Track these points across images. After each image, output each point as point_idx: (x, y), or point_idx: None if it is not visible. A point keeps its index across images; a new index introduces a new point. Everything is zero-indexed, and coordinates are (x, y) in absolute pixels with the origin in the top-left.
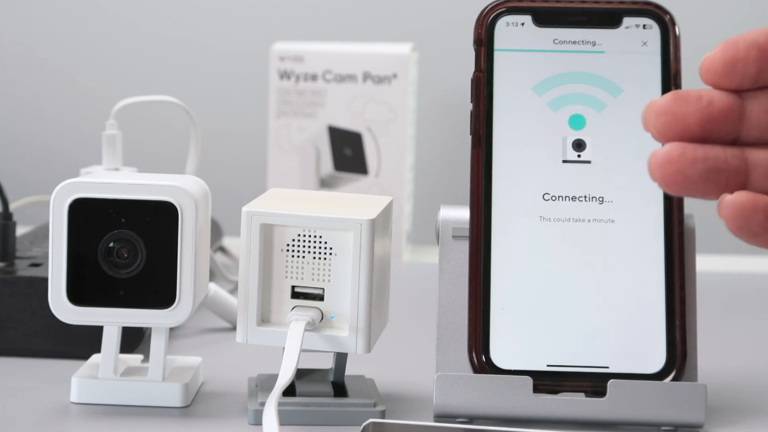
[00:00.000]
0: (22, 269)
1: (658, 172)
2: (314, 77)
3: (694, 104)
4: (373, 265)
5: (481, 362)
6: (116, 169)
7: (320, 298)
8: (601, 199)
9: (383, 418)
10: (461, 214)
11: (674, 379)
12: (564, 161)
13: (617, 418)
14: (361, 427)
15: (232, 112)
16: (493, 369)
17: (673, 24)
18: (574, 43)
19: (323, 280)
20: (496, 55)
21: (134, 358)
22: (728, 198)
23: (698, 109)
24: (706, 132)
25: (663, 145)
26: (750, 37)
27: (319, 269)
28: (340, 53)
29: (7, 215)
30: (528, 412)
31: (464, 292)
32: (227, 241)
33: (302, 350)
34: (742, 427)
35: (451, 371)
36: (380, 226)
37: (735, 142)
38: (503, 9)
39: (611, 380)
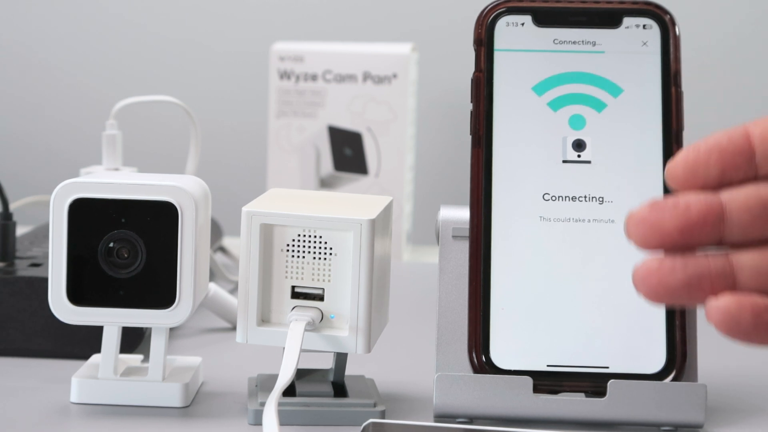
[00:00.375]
0: (22, 269)
1: (640, 285)
2: (314, 77)
3: (671, 212)
4: (373, 265)
5: (481, 362)
6: (116, 169)
7: (320, 298)
8: (601, 199)
9: (383, 418)
10: (461, 214)
11: (674, 379)
12: (564, 161)
13: (617, 418)
14: (361, 427)
15: (232, 112)
16: (493, 369)
17: (673, 24)
18: (574, 43)
19: (323, 280)
20: (496, 55)
21: (134, 358)
22: (713, 303)
23: (675, 216)
24: (687, 238)
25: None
26: (711, 140)
27: (319, 269)
28: (340, 53)
29: (7, 215)
30: (528, 412)
31: (464, 292)
32: (227, 241)
33: (302, 350)
34: (742, 427)
35: (451, 371)
36: (380, 226)
37: (720, 243)
38: (503, 9)
39: (611, 380)
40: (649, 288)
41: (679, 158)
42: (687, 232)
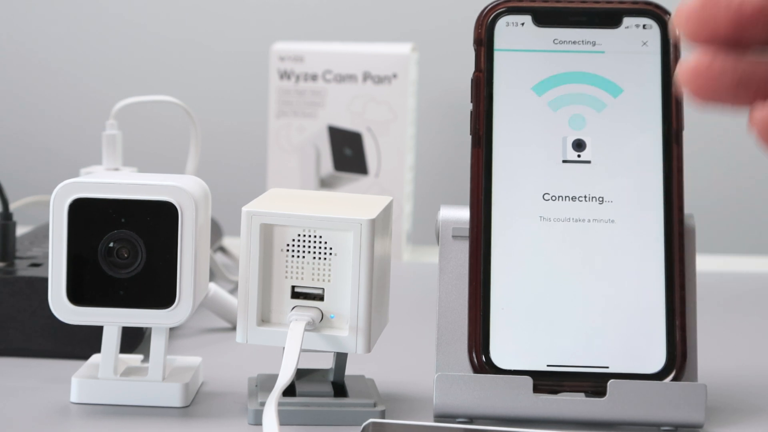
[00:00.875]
0: (22, 269)
1: (688, 81)
2: (314, 77)
3: (725, 6)
4: (373, 265)
5: (481, 362)
6: (116, 169)
7: (320, 298)
8: (601, 199)
9: (383, 418)
10: (461, 214)
11: (674, 379)
12: (564, 161)
13: (617, 418)
14: (361, 427)
15: (232, 112)
16: (493, 369)
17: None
18: (574, 43)
19: (323, 280)
20: (496, 55)
21: (134, 358)
22: (759, 112)
23: (727, 11)
24: (739, 34)
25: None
26: None
27: (319, 269)
28: (340, 53)
29: (7, 215)
30: (528, 412)
31: (464, 292)
32: (227, 241)
33: (302, 350)
34: (742, 427)
35: (451, 371)
36: (380, 226)
37: (766, 45)
38: (503, 9)
39: (611, 380)
40: (697, 86)
41: None
42: (740, 27)
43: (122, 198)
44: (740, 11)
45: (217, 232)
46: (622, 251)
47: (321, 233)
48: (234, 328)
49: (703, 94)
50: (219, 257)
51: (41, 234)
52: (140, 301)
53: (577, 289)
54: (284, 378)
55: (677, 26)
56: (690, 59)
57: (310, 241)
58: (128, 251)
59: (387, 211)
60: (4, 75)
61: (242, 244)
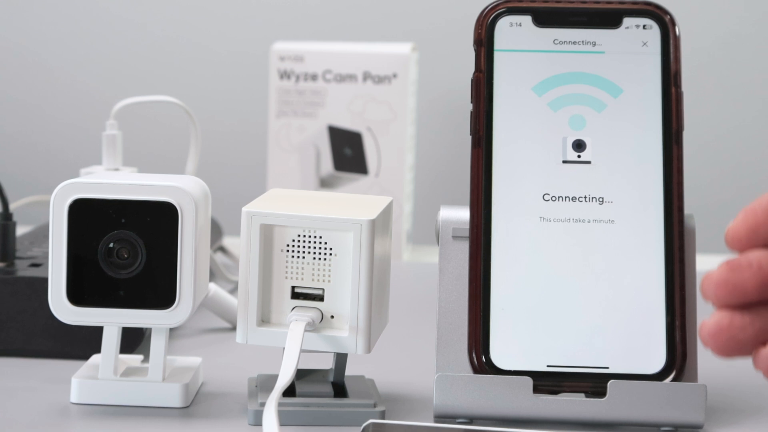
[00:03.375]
0: (22, 269)
1: (711, 341)
2: (314, 77)
3: (748, 272)
4: (373, 265)
5: (481, 362)
6: (116, 170)
7: (320, 298)
8: (601, 199)
9: (383, 418)
10: (461, 214)
11: (674, 379)
12: (564, 161)
13: (617, 418)
14: (361, 427)
15: (232, 112)
16: (493, 369)
17: (673, 24)
18: (574, 43)
19: (323, 281)
20: (496, 56)
21: (134, 359)
22: (763, 351)
23: (752, 276)
24: (761, 295)
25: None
26: (765, 201)
27: (319, 270)
28: (340, 53)
29: (7, 215)
30: (528, 412)
31: (464, 292)
32: (227, 241)
33: (302, 351)
34: (742, 427)
35: (451, 371)
36: (380, 226)
37: None
38: (503, 9)
39: (611, 380)
40: (720, 344)
41: (740, 222)
42: (762, 290)
43: (122, 198)
44: (761, 273)
45: (217, 232)
46: (622, 251)
47: (321, 233)
48: (234, 328)
49: (726, 350)
50: (219, 257)
51: (41, 234)
52: (140, 301)
53: (577, 289)
54: (284, 378)
55: (706, 294)
56: (711, 321)
57: (310, 242)
58: (128, 251)
59: (387, 211)
60: (4, 75)
61: (242, 244)
